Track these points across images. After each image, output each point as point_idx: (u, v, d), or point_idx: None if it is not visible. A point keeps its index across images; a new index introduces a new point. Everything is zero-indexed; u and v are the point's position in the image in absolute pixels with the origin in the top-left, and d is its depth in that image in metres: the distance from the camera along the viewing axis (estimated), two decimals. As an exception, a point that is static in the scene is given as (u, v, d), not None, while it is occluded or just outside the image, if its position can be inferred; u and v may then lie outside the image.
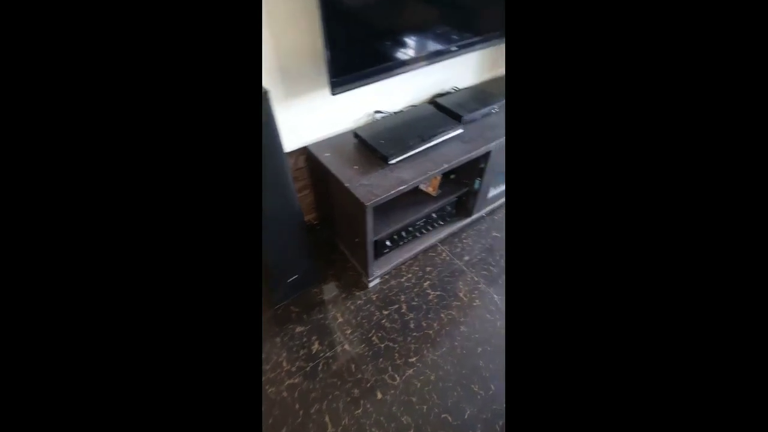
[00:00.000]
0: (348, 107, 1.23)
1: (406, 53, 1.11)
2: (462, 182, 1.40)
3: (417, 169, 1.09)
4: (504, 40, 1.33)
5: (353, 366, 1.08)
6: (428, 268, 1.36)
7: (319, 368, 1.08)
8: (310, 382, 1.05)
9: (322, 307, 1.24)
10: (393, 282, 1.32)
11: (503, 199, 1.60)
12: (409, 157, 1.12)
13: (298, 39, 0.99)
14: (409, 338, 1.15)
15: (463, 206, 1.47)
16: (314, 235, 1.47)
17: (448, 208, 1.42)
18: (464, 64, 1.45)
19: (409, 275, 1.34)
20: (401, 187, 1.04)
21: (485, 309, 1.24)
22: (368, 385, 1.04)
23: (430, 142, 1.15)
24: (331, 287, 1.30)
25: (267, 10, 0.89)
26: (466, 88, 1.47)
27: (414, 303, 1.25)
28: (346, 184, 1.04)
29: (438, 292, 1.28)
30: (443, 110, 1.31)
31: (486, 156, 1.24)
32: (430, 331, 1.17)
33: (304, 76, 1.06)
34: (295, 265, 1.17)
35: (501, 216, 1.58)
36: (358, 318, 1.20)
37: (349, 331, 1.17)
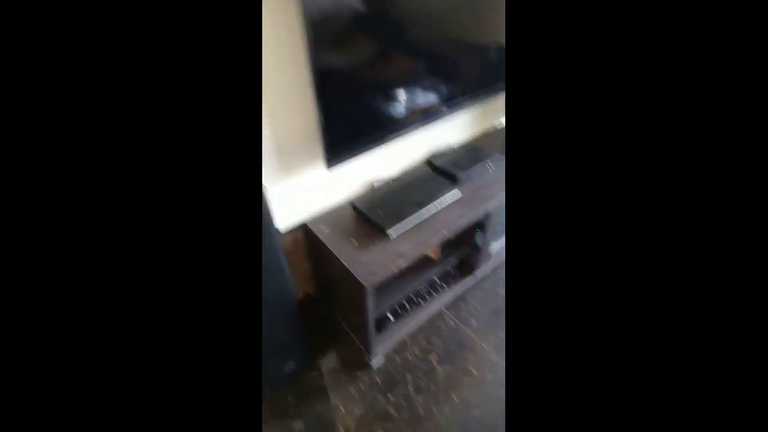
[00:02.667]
0: (344, 178, 1.19)
1: (398, 120, 1.09)
2: (463, 241, 1.34)
3: (416, 239, 1.03)
4: (491, 96, 1.34)
5: (359, 469, 0.95)
6: (434, 339, 1.27)
7: (320, 475, 0.94)
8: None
9: (321, 395, 1.11)
10: (398, 359, 1.21)
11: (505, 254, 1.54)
12: (408, 228, 1.06)
13: (293, 118, 0.96)
14: (419, 429, 1.03)
15: (466, 265, 1.40)
16: (313, 307, 1.36)
17: (451, 271, 1.35)
18: (456, 121, 1.45)
19: (415, 349, 1.24)
20: (400, 261, 0.97)
21: (498, 384, 1.13)
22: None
23: (428, 209, 1.10)
24: (330, 370, 1.19)
25: (264, 92, 0.87)
26: (459, 146, 1.45)
27: (421, 383, 1.14)
28: (345, 263, 0.97)
29: (446, 367, 1.18)
30: (438, 171, 1.28)
31: (486, 216, 1.19)
32: (441, 418, 1.05)
33: (300, 152, 1.02)
34: (290, 352, 1.07)
35: (504, 272, 1.51)
36: (362, 407, 1.08)
37: (352, 427, 1.04)
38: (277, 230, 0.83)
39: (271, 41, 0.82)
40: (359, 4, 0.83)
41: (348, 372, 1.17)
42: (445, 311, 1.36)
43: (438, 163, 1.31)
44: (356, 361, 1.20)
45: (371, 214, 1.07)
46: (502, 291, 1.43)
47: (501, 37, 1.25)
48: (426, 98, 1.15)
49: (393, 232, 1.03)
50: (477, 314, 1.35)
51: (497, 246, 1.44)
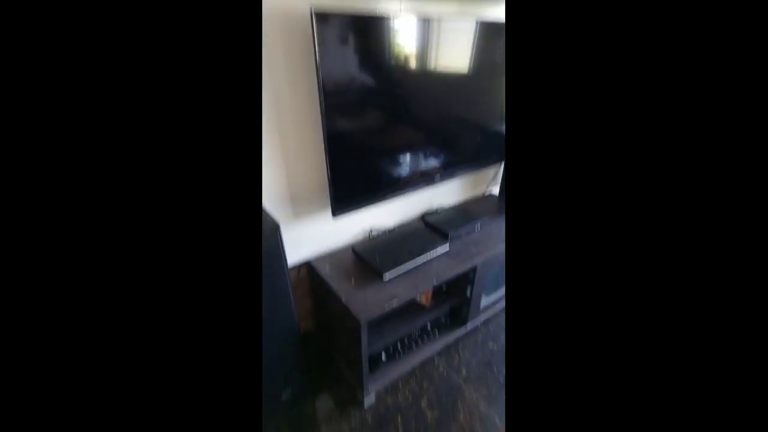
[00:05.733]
0: (347, 225, 1.40)
1: (398, 182, 1.32)
2: (454, 292, 1.47)
3: (409, 284, 1.19)
4: (483, 167, 1.58)
5: (343, 507, 0.97)
6: (426, 384, 1.32)
7: None
8: None
9: (313, 428, 1.16)
10: (389, 399, 1.27)
11: (497, 308, 1.64)
12: (401, 272, 1.23)
13: (306, 171, 1.20)
14: (405, 470, 1.06)
15: (458, 316, 1.50)
16: (311, 342, 1.47)
17: (443, 319, 1.46)
18: (449, 186, 1.69)
19: (406, 392, 1.30)
20: (395, 302, 1.11)
21: (487, 433, 1.16)
22: None
23: (421, 258, 1.27)
24: (324, 403, 1.25)
25: (282, 145, 1.11)
26: (451, 207, 1.67)
27: (411, 426, 1.18)
28: (343, 298, 1.12)
29: (436, 412, 1.22)
30: (432, 228, 1.47)
31: (473, 270, 1.34)
32: (429, 462, 1.08)
33: (310, 201, 1.25)
34: (289, 381, 1.16)
35: (495, 326, 1.60)
36: (351, 444, 1.13)
37: (340, 462, 1.08)
38: (287, 264, 1.01)
39: (291, 102, 1.06)
40: (369, 81, 1.08)
41: (341, 408, 1.23)
42: (437, 358, 1.43)
43: (431, 220, 1.51)
44: (349, 399, 1.26)
45: (369, 258, 1.25)
46: (493, 345, 1.50)
47: (495, 120, 1.54)
48: (425, 164, 1.40)
49: (388, 275, 1.19)
50: (468, 364, 1.41)
51: (488, 301, 1.55)
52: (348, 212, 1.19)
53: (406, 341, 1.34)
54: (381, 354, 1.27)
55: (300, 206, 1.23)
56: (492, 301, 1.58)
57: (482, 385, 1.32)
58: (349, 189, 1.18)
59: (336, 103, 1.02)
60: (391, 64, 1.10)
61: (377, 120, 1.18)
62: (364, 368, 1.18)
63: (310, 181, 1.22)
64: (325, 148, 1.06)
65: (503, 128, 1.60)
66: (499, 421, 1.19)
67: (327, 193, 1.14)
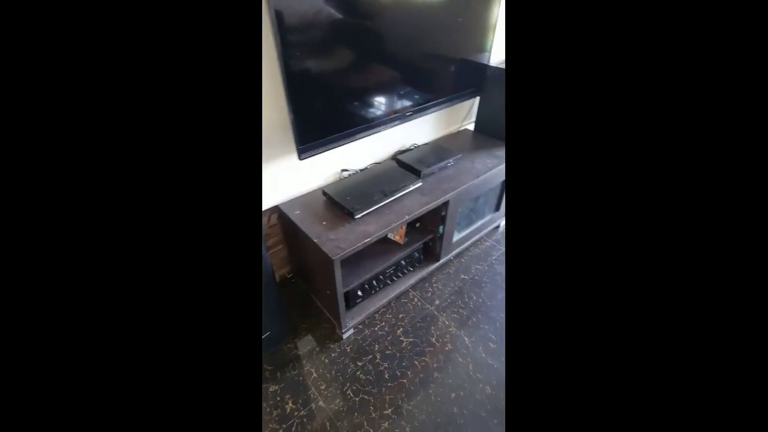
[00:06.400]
0: (316, 168, 1.34)
1: (366, 119, 1.25)
2: (427, 229, 1.49)
3: (381, 222, 1.18)
4: (457, 100, 1.51)
5: (328, 424, 1.07)
6: (401, 315, 1.40)
7: (294, 430, 1.06)
8: (284, 446, 1.02)
9: (296, 363, 1.23)
10: (367, 332, 1.34)
11: (468, 243, 1.69)
12: (373, 211, 1.21)
13: (268, 113, 1.11)
14: (384, 389, 1.15)
15: (431, 251, 1.55)
16: (289, 289, 1.49)
17: (417, 255, 1.50)
18: (422, 123, 1.62)
19: (383, 323, 1.37)
20: (367, 240, 1.11)
21: (457, 353, 1.27)
22: (343, 443, 1.03)
23: (392, 196, 1.26)
24: (305, 341, 1.31)
25: None
26: (424, 144, 1.62)
27: (388, 352, 1.27)
28: (315, 240, 1.11)
29: (411, 339, 1.31)
30: (404, 166, 1.44)
31: (445, 205, 1.35)
32: (405, 380, 1.18)
33: (275, 144, 1.17)
34: (266, 322, 1.19)
35: (467, 258, 1.67)
36: (333, 372, 1.20)
37: (323, 387, 1.16)
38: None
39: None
40: (332, 13, 0.96)
41: (321, 343, 1.30)
42: (412, 291, 1.50)
43: (404, 159, 1.47)
44: (329, 335, 1.32)
45: (340, 199, 1.22)
46: (464, 275, 1.58)
47: (471, 50, 1.44)
48: (395, 100, 1.32)
49: (359, 214, 1.18)
50: (440, 294, 1.49)
51: (460, 236, 1.59)
52: (315, 154, 1.13)
53: (381, 277, 1.38)
54: (357, 291, 1.31)
55: (265, 147, 1.15)
56: (464, 235, 1.62)
57: (454, 312, 1.41)
58: (314, 130, 1.10)
59: (295, 41, 0.92)
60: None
61: (343, 55, 1.07)
62: (341, 305, 1.22)
63: (273, 124, 1.13)
64: (284, 85, 0.96)
65: (480, 58, 1.51)
66: (468, 341, 1.30)
67: (291, 134, 1.06)
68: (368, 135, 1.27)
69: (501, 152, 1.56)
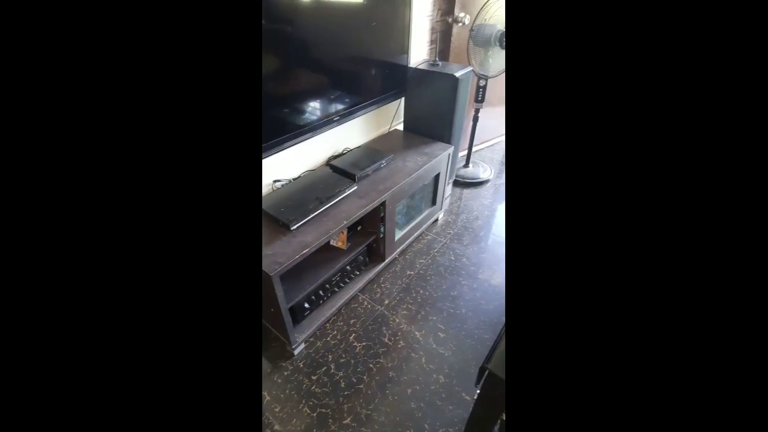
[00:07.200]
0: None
1: (295, 126, 1.22)
2: (369, 231, 1.50)
3: (320, 230, 1.16)
4: (383, 102, 1.54)
5: (286, 447, 1.02)
6: (352, 321, 1.39)
7: (249, 461, 0.99)
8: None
9: (245, 391, 1.16)
10: (319, 343, 1.31)
11: (411, 239, 1.74)
12: (310, 220, 1.19)
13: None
14: (341, 399, 1.14)
15: (376, 252, 1.56)
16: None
17: (362, 258, 1.50)
18: (353, 126, 1.63)
19: (335, 332, 1.35)
20: (305, 251, 1.09)
21: (410, 348, 1.29)
22: (305, 463, 0.99)
23: (328, 203, 1.24)
24: (253, 365, 1.24)
25: None
26: (357, 148, 1.63)
27: (342, 360, 1.25)
28: (250, 258, 1.05)
29: (364, 343, 1.31)
30: (338, 171, 1.43)
31: (383, 205, 1.37)
32: (361, 386, 1.18)
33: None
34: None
35: (411, 254, 1.71)
36: (287, 391, 1.16)
37: (278, 409, 1.11)
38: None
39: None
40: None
41: (272, 363, 1.24)
42: (361, 295, 1.50)
43: (337, 163, 1.46)
44: (280, 354, 1.27)
45: (274, 212, 1.18)
46: (410, 271, 1.62)
47: (392, 52, 1.47)
48: (322, 106, 1.30)
49: (295, 225, 1.14)
50: (389, 293, 1.51)
51: (401, 234, 1.63)
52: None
53: (327, 286, 1.36)
54: (304, 303, 1.27)
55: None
56: (405, 232, 1.66)
57: (403, 309, 1.44)
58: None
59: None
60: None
61: (265, 62, 1.03)
62: (287, 321, 1.17)
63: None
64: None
65: (400, 60, 1.55)
66: (419, 334, 1.34)
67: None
68: (298, 142, 1.24)
69: (430, 149, 1.63)
